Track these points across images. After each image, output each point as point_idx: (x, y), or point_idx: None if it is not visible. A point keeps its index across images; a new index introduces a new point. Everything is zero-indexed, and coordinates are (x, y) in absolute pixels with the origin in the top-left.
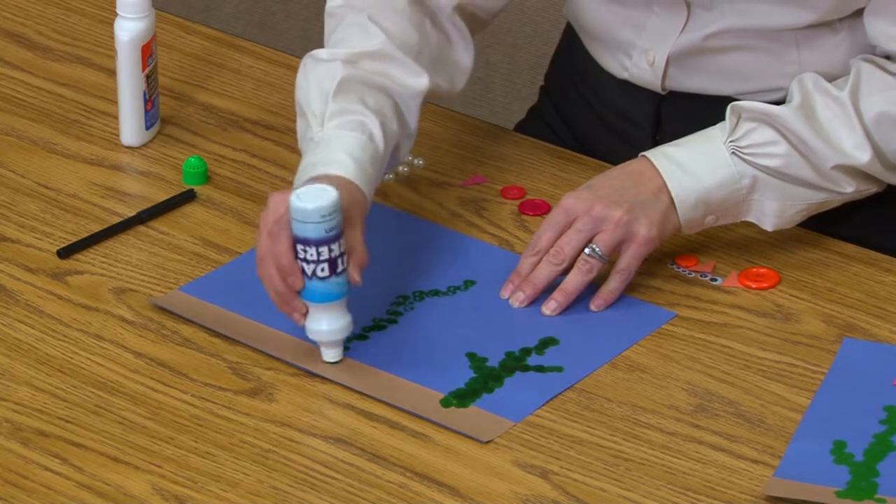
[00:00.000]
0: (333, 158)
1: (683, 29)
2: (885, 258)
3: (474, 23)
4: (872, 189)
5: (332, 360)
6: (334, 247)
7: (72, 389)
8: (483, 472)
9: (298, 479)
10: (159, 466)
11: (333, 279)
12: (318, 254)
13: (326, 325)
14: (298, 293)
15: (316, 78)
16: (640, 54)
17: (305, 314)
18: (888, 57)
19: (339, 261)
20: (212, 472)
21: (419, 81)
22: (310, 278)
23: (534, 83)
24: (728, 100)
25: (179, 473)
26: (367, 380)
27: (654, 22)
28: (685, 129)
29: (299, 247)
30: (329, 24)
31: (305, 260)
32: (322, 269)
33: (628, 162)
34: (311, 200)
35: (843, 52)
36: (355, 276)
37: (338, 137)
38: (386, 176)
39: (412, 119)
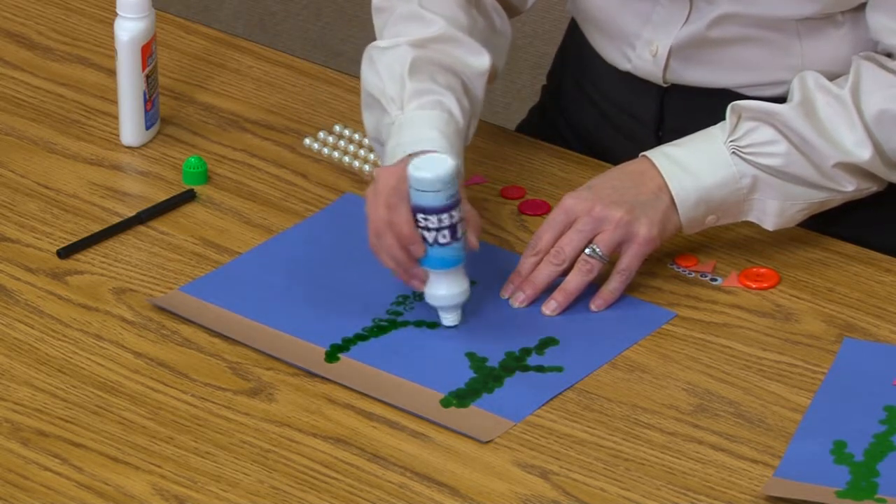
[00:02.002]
0: (423, 136)
1: (687, 19)
2: (885, 258)
3: (509, 8)
4: (873, 188)
5: (452, 324)
6: (455, 213)
7: (72, 389)
8: (483, 472)
9: (298, 479)
10: (159, 466)
11: (454, 244)
12: (440, 221)
13: (446, 289)
14: (417, 261)
15: (386, 64)
16: (643, 45)
17: (424, 281)
18: (889, 54)
19: (459, 226)
20: (212, 472)
21: (482, 60)
22: (431, 245)
23: (534, 83)
24: (730, 93)
25: (179, 473)
26: (367, 380)
27: (660, 12)
28: (687, 124)
29: (419, 216)
30: (379, 18)
31: (426, 228)
32: (444, 236)
33: (628, 162)
34: (429, 170)
35: (846, 46)
36: (474, 240)
37: (421, 117)
38: None
39: (479, 97)
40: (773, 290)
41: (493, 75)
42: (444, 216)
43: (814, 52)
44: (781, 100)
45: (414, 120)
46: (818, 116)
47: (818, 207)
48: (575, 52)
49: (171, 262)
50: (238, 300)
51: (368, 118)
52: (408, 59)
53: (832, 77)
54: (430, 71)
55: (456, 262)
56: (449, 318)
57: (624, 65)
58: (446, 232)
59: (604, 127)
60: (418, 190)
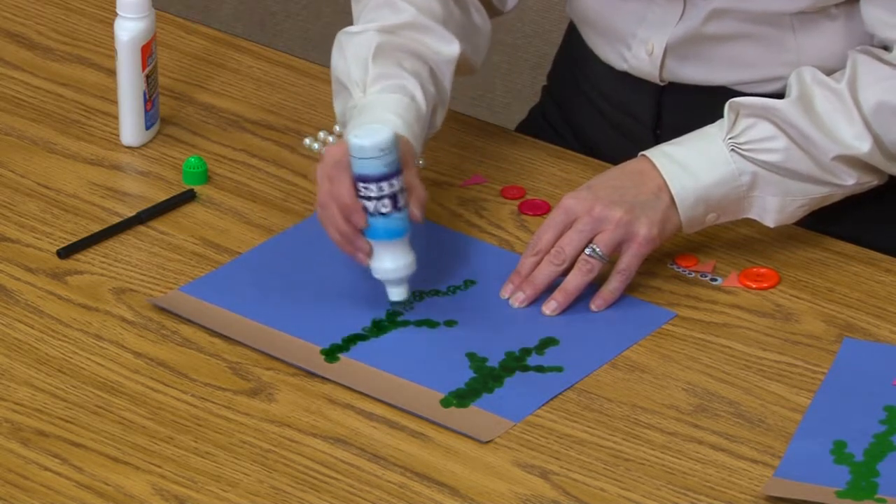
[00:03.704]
0: (380, 118)
1: (681, 16)
2: (885, 258)
3: (490, 8)
4: (873, 181)
5: (398, 299)
6: (395, 181)
7: (72, 389)
8: (483, 472)
9: (298, 479)
10: (159, 466)
11: (395, 214)
12: (380, 189)
13: (391, 262)
14: (361, 233)
15: (352, 49)
16: (639, 44)
17: (369, 254)
18: (885, 47)
19: (400, 196)
20: (212, 472)
21: (451, 48)
22: (372, 215)
23: (534, 83)
24: (727, 91)
25: (179, 473)
26: (367, 380)
27: (654, 11)
28: (685, 122)
29: (360, 185)
30: (357, 5)
31: (367, 198)
32: (384, 205)
33: (628, 162)
34: (368, 137)
35: (841, 40)
36: (416, 212)
37: (381, 101)
38: None
39: (447, 85)
40: (773, 290)
41: (468, 68)
42: (384, 184)
43: (809, 47)
44: (779, 96)
45: (374, 103)
46: (816, 111)
47: (819, 203)
48: (573, 53)
49: (171, 262)
50: (238, 300)
51: (336, 103)
52: (373, 43)
53: (828, 72)
54: (396, 56)
55: (399, 233)
56: (395, 293)
57: (621, 64)
58: (387, 201)
59: (602, 126)
60: (357, 158)
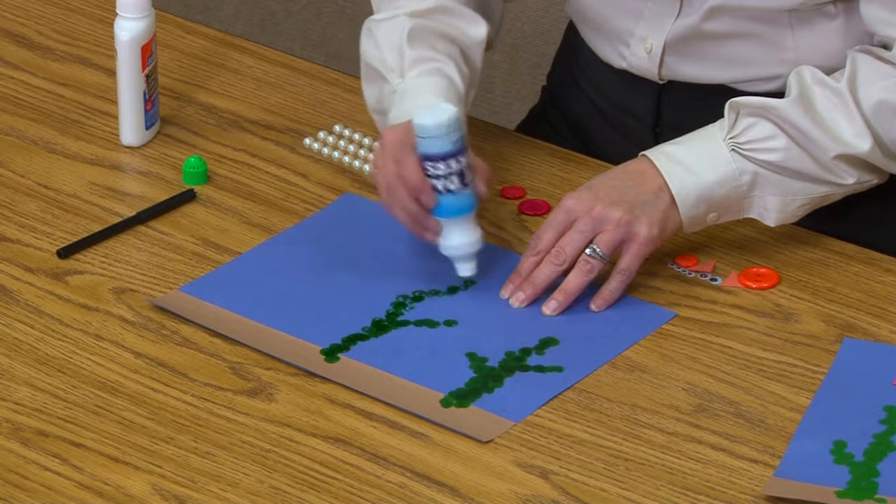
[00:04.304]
0: (425, 102)
1: (679, 14)
2: (885, 258)
3: None
4: (874, 180)
5: (468, 274)
6: (462, 158)
7: (72, 389)
8: (483, 472)
9: (298, 479)
10: (159, 466)
11: (464, 191)
12: (448, 167)
13: (458, 238)
14: (429, 212)
15: (384, 35)
16: (637, 42)
17: (438, 233)
18: (884, 46)
19: (467, 172)
20: (212, 472)
21: (479, 30)
22: (441, 193)
23: (534, 83)
24: (726, 89)
25: (179, 473)
26: (367, 380)
27: (651, 8)
28: (684, 121)
29: (427, 164)
30: None
31: (435, 176)
32: (452, 182)
33: (628, 162)
34: (432, 117)
35: (839, 39)
36: (482, 188)
37: (422, 84)
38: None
39: (477, 66)
40: (773, 290)
41: (489, 44)
42: (452, 161)
43: (808, 45)
44: (778, 94)
45: (416, 87)
46: (816, 110)
47: (819, 202)
48: (572, 52)
49: (171, 262)
50: (238, 300)
51: (369, 90)
52: (406, 28)
53: (827, 71)
54: (429, 39)
55: (467, 209)
56: (465, 268)
57: (620, 63)
58: (455, 178)
59: (602, 125)
60: (423, 137)
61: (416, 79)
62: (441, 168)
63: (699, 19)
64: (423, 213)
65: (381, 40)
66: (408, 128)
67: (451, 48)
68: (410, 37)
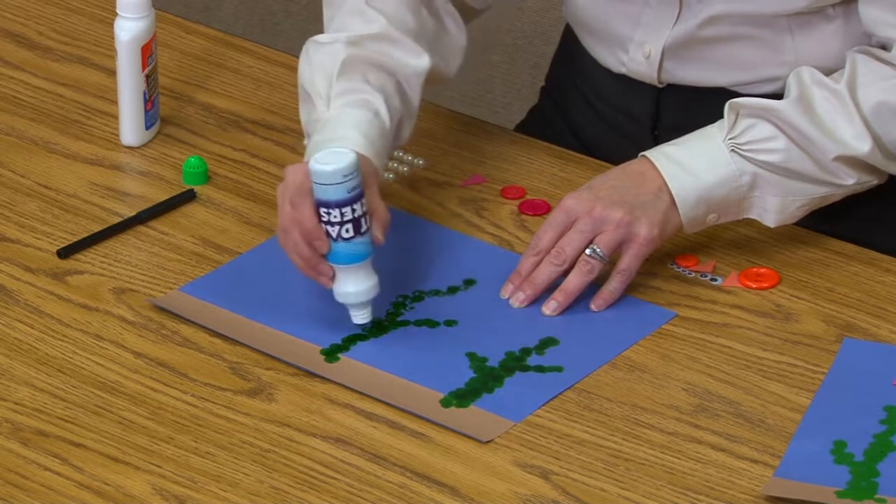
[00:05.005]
0: (342, 135)
1: (677, 20)
2: (885, 258)
3: (465, 11)
4: (873, 181)
5: (362, 322)
6: (357, 206)
7: (72, 389)
8: (483, 472)
9: (298, 479)
10: (159, 466)
11: (358, 239)
12: (342, 215)
13: (353, 286)
14: (324, 257)
15: (319, 60)
16: (636, 47)
17: (332, 278)
18: (883, 46)
19: (363, 220)
20: (212, 472)
21: (420, 61)
22: (335, 240)
23: (534, 83)
24: (725, 91)
25: (179, 473)
26: (367, 380)
27: (649, 14)
28: (683, 122)
29: (322, 210)
30: (328, 11)
31: (329, 223)
32: (347, 230)
33: (628, 162)
34: (330, 163)
35: (838, 41)
36: (378, 235)
37: (345, 115)
38: (386, 175)
39: (414, 98)
40: (773, 290)
41: (439, 78)
42: (347, 209)
43: (807, 48)
44: (777, 96)
45: (339, 118)
46: (816, 111)
47: (819, 203)
48: (570, 55)
49: (171, 262)
50: (238, 300)
51: (302, 111)
52: (340, 56)
53: (827, 73)
54: (361, 70)
55: (361, 257)
56: (359, 316)
57: (618, 68)
58: (349, 226)
59: (601, 127)
60: (319, 184)
61: (340, 109)
62: (336, 215)
63: (698, 25)
64: (316, 257)
65: (316, 64)
66: (308, 170)
67: (385, 79)
68: (343, 65)
